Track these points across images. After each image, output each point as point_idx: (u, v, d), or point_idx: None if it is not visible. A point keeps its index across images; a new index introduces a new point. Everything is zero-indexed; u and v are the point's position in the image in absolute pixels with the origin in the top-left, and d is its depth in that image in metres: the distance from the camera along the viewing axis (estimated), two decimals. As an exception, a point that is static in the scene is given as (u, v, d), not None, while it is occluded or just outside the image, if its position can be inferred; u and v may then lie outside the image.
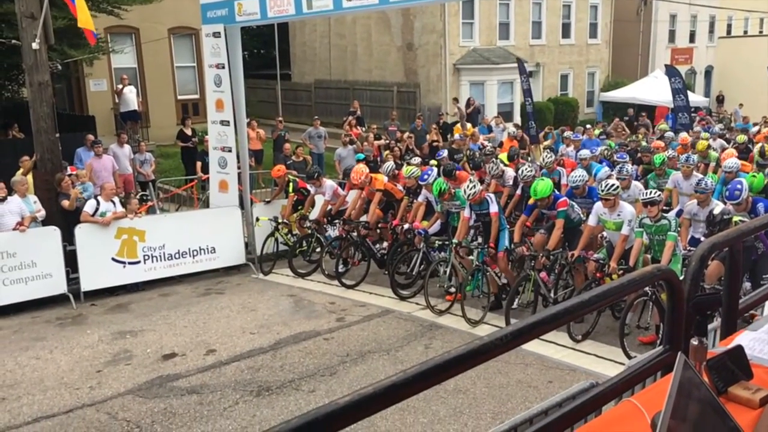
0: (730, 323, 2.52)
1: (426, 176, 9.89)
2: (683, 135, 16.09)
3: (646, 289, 7.16)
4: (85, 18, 10.48)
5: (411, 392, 1.53)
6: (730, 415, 1.61)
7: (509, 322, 7.98)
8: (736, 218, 7.43)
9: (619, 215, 7.90)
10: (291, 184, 11.60)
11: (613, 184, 7.98)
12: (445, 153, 13.59)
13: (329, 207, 11.12)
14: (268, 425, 6.17)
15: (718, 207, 8.01)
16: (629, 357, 6.83)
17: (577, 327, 7.81)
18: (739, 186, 7.97)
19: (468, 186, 8.97)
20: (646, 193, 7.61)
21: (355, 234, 10.39)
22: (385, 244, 10.58)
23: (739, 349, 1.94)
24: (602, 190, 7.93)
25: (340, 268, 10.46)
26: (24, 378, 7.40)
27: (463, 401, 6.46)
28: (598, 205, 8.08)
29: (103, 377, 7.37)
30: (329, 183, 11.29)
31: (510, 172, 11.21)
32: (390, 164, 11.54)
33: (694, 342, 1.82)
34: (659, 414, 1.47)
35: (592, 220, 8.20)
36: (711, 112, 27.15)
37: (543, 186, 8.67)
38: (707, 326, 2.11)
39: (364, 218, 10.57)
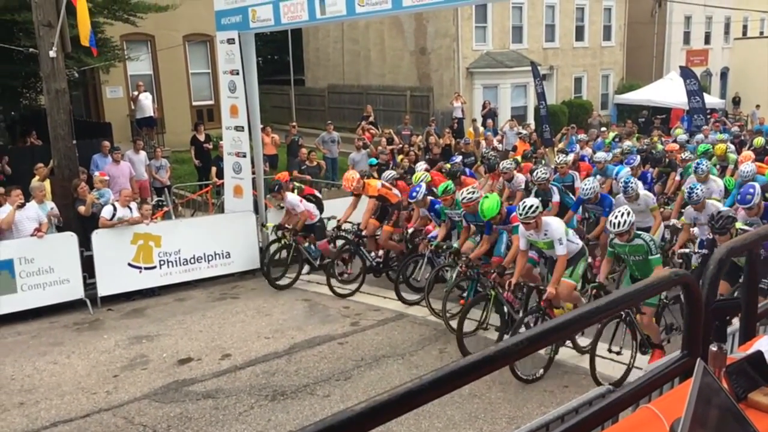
0: (749, 328, 2.49)
1: (414, 194, 9.57)
2: (699, 138, 15.98)
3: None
4: (85, 33, 10.54)
5: (427, 399, 1.53)
6: (750, 421, 1.59)
7: (465, 351, 7.22)
8: (738, 224, 7.20)
9: (546, 234, 7.23)
10: (296, 190, 11.53)
11: (531, 206, 7.18)
12: (459, 158, 13.46)
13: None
14: (283, 430, 6.18)
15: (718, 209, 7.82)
16: (598, 383, 6.27)
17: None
18: (751, 190, 7.80)
19: (467, 190, 8.60)
20: (616, 224, 6.72)
21: (352, 241, 10.20)
22: (381, 252, 10.30)
23: (759, 354, 1.91)
24: (520, 213, 7.17)
25: (338, 277, 10.23)
26: (42, 383, 7.46)
27: (479, 406, 6.44)
28: (522, 228, 7.38)
29: (120, 382, 7.42)
30: (291, 196, 10.90)
31: (521, 177, 11.01)
32: (391, 173, 11.49)
33: (713, 348, 1.80)
34: (678, 421, 1.45)
35: (521, 244, 7.45)
36: (727, 113, 26.91)
37: (489, 205, 7.95)
38: (726, 332, 2.09)
39: (350, 224, 10.49)
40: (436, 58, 24.41)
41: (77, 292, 9.91)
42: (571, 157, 12.47)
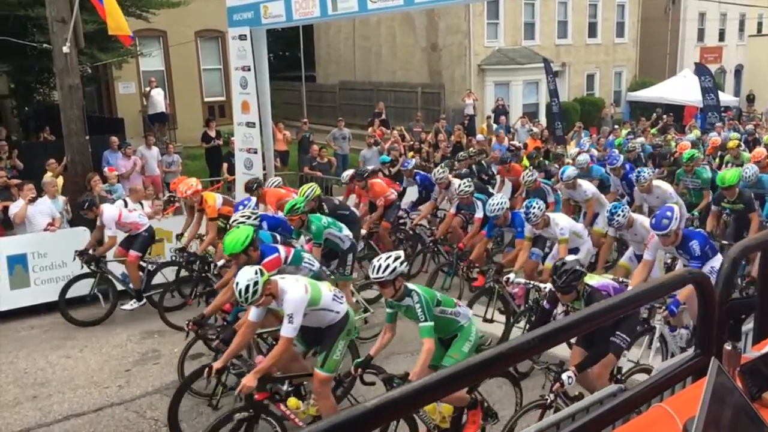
0: (763, 327, 2.47)
1: (241, 206, 8.16)
2: (713, 136, 15.87)
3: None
4: (115, 24, 10.61)
5: (438, 395, 1.53)
6: (765, 421, 1.58)
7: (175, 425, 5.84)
8: (588, 277, 5.67)
9: (283, 304, 5.27)
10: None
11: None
12: (411, 164, 11.65)
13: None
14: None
15: (571, 255, 6.42)
16: None
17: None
18: (668, 213, 6.40)
19: (240, 214, 7.43)
20: (376, 268, 5.06)
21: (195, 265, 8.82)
22: None
23: (774, 354, 1.90)
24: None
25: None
26: (55, 376, 7.53)
27: (490, 403, 6.41)
28: None
29: (132, 376, 7.47)
30: (110, 211, 9.05)
31: (458, 183, 9.67)
32: (277, 179, 10.37)
33: (728, 347, 1.79)
34: (692, 420, 1.44)
35: (252, 315, 5.39)
36: (741, 111, 26.69)
37: (230, 240, 6.11)
38: (741, 331, 2.08)
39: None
40: (448, 55, 24.36)
41: (89, 286, 9.95)
42: (568, 156, 12.25)
